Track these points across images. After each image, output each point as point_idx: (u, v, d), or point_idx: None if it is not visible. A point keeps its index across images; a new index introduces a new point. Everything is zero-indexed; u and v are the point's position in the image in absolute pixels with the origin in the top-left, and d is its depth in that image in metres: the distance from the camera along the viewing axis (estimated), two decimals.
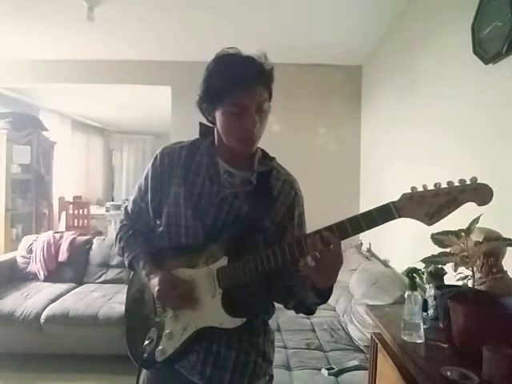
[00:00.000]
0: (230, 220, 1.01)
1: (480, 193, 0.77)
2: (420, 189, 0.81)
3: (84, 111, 6.61)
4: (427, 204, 0.80)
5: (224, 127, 0.98)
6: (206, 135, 1.08)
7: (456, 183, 0.79)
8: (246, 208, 1.01)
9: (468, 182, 0.78)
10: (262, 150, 1.10)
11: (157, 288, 0.98)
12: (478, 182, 0.78)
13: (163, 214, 1.06)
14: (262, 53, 0.97)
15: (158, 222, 1.10)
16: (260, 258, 0.92)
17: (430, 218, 0.80)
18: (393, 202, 0.82)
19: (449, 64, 1.99)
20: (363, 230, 0.84)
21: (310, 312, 1.03)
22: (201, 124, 1.09)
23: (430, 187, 0.81)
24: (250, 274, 0.94)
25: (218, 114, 0.98)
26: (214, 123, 1.02)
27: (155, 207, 1.08)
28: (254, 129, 0.95)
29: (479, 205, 0.79)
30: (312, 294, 0.93)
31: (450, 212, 0.80)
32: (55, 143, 5.62)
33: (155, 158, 1.09)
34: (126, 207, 1.18)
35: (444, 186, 0.80)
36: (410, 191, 0.82)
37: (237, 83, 0.92)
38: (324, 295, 0.93)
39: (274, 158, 1.10)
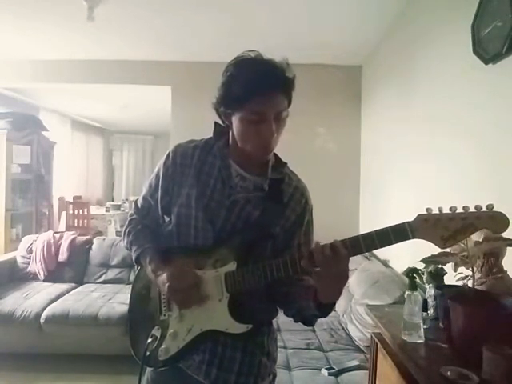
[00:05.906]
0: (240, 224, 1.00)
1: (496, 221, 0.77)
2: (435, 211, 0.80)
3: (84, 111, 6.61)
4: (442, 227, 0.79)
5: (240, 133, 0.97)
6: (220, 135, 1.06)
7: (472, 209, 0.78)
8: (257, 214, 1.01)
9: (484, 209, 0.78)
10: (275, 155, 1.08)
11: (167, 284, 0.96)
12: (495, 210, 0.77)
13: (173, 214, 1.05)
14: (284, 59, 0.95)
15: (166, 219, 1.10)
16: (270, 267, 0.92)
17: (445, 242, 0.79)
18: (408, 222, 0.81)
19: (449, 64, 1.99)
20: (376, 248, 0.83)
21: (309, 323, 1.03)
22: (215, 124, 1.07)
23: (446, 210, 0.80)
24: (259, 282, 0.93)
25: (234, 119, 0.96)
26: (229, 126, 1.01)
27: (165, 205, 1.08)
28: (271, 138, 0.94)
29: (494, 232, 0.78)
30: (313, 305, 0.92)
31: (466, 237, 0.80)
32: (55, 143, 5.63)
33: (167, 157, 1.07)
34: (135, 201, 1.17)
35: (460, 210, 0.79)
36: (425, 213, 0.81)
37: (256, 91, 0.90)
38: (325, 310, 0.93)
39: (286, 163, 1.09)
